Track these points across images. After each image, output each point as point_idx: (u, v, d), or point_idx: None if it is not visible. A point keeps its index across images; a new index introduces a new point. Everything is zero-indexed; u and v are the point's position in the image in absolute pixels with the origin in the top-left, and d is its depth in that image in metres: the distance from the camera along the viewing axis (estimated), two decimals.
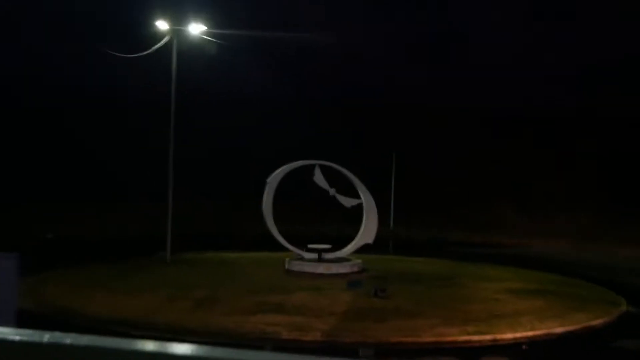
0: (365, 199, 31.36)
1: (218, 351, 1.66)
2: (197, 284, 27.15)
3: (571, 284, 31.29)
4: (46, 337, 1.83)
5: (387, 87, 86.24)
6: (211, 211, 48.47)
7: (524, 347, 20.93)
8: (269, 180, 30.65)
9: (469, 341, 21.01)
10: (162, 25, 33.16)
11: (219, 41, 34.76)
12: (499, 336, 21.49)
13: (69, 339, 1.80)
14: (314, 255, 30.67)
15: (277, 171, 30.93)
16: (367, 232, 31.47)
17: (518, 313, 23.99)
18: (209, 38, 34.21)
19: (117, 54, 36.25)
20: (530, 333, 21.92)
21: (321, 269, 29.73)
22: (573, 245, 52.19)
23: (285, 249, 31.59)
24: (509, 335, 21.62)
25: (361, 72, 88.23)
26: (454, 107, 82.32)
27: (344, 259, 31.19)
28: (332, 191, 31.08)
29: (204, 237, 42.42)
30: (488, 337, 21.35)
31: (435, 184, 77.21)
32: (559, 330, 22.37)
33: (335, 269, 29.82)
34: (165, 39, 32.97)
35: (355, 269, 30.44)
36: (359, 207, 31.99)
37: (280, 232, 31.66)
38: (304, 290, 25.98)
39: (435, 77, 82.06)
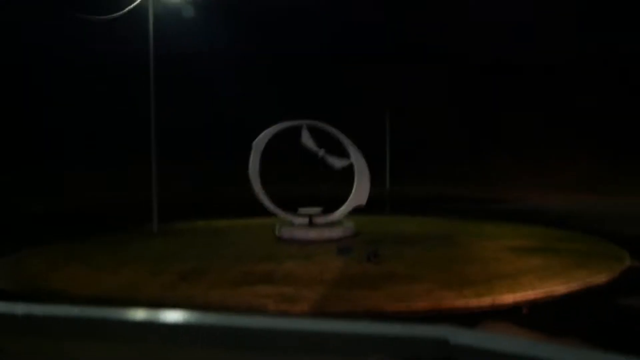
0: (356, 159, 30.16)
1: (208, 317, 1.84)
2: (183, 255, 26.06)
3: (572, 238, 30.35)
4: (20, 308, 1.94)
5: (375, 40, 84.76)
6: (199, 177, 47.39)
7: (524, 310, 19.99)
8: (254, 143, 29.51)
9: (467, 306, 20.04)
10: None
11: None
12: (498, 299, 20.52)
13: (41, 310, 1.92)
14: (305, 220, 29.65)
15: (263, 133, 29.79)
16: (359, 193, 30.35)
17: (518, 273, 23.02)
18: None
19: (91, 17, 34.77)
20: (531, 294, 20.96)
21: (312, 234, 28.68)
22: (572, 197, 51.30)
23: (276, 215, 30.64)
24: (509, 298, 20.66)
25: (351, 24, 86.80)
26: (450, 55, 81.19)
27: (336, 223, 30.15)
28: (321, 152, 29.93)
29: (193, 205, 41.49)
30: (487, 300, 20.40)
31: (431, 140, 76.26)
32: (560, 289, 21.35)
33: (327, 234, 28.74)
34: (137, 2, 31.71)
35: (348, 233, 29.43)
36: (351, 167, 30.77)
37: (272, 195, 30.68)
38: (294, 259, 24.93)
39: (422, 26, 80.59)
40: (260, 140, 29.56)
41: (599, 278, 23.02)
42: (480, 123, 79.23)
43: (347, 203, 30.46)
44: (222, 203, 42.80)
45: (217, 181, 48.12)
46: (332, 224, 29.85)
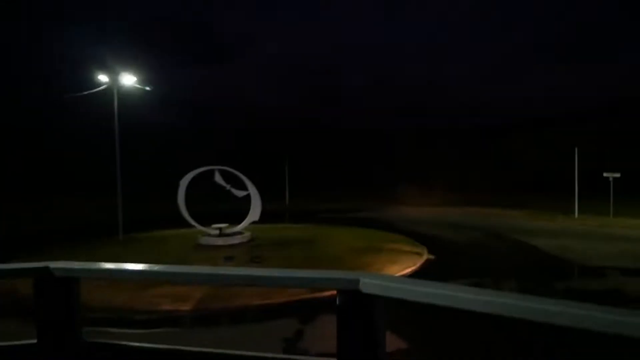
0: (252, 191, 25.68)
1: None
2: (111, 260, 20.79)
3: (394, 240, 26.24)
4: None
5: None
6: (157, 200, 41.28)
7: None
8: (181, 182, 24.49)
9: (315, 298, 15.45)
10: (103, 77, 26.42)
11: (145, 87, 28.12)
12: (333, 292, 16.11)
13: None
14: (216, 232, 24.80)
15: (187, 175, 24.81)
16: (254, 213, 25.80)
17: (353, 268, 18.58)
18: (138, 86, 27.56)
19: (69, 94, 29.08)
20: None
21: (220, 241, 23.81)
22: (404, 209, 47.97)
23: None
24: None
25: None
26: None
27: (239, 233, 25.34)
28: (228, 187, 25.27)
29: (157, 219, 35.80)
30: (327, 293, 15.94)
31: (315, 174, 73.16)
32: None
33: (231, 241, 23.97)
34: (102, 87, 26.29)
35: (246, 239, 24.66)
36: (248, 196, 26.02)
37: (199, 212, 25.74)
38: (200, 261, 19.93)
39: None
40: (185, 179, 24.59)
41: (405, 270, 18.90)
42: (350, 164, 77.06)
43: (246, 219, 26.04)
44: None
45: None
46: (235, 234, 24.96)
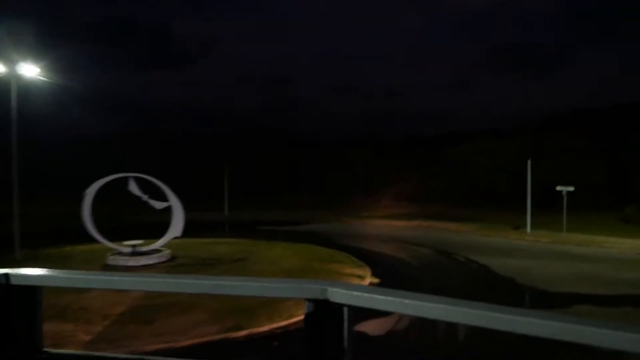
0: (173, 201, 22.52)
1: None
2: None
3: (339, 259, 23.86)
4: None
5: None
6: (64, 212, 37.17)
7: (275, 343, 12.92)
8: (87, 191, 21.19)
9: (225, 339, 12.81)
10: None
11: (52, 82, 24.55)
12: (254, 330, 13.44)
13: None
14: (129, 250, 21.61)
15: (95, 183, 21.49)
16: (176, 227, 22.68)
17: (287, 297, 16.02)
18: (43, 78, 23.98)
19: None
20: (285, 322, 14.04)
21: (132, 262, 20.65)
22: (354, 222, 45.96)
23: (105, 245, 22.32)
24: (265, 328, 13.62)
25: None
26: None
27: (157, 251, 22.26)
28: (144, 197, 22.15)
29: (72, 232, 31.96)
30: (243, 332, 13.26)
31: (265, 183, 70.82)
32: None
33: (144, 261, 20.79)
34: None
35: (163, 259, 21.62)
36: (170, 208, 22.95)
37: (111, 227, 22.58)
38: (99, 289, 16.83)
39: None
40: (92, 188, 21.28)
41: None
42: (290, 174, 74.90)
43: (165, 235, 22.81)
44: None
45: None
46: (152, 252, 21.88)
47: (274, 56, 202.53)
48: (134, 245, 21.57)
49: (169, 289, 1.54)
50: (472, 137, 72.53)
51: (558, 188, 35.50)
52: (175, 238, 23.29)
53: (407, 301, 1.22)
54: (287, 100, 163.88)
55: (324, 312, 1.34)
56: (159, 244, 22.58)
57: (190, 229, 26.28)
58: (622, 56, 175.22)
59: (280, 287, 1.45)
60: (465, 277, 21.09)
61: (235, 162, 59.01)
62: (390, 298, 1.24)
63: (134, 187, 21.88)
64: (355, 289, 1.33)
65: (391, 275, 20.88)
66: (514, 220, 39.49)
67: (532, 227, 35.58)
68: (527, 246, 30.02)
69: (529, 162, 36.39)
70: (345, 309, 1.33)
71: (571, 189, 34.96)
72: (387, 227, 42.37)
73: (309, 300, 1.36)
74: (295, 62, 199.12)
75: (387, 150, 78.22)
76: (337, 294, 1.32)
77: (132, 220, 33.30)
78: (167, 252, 22.08)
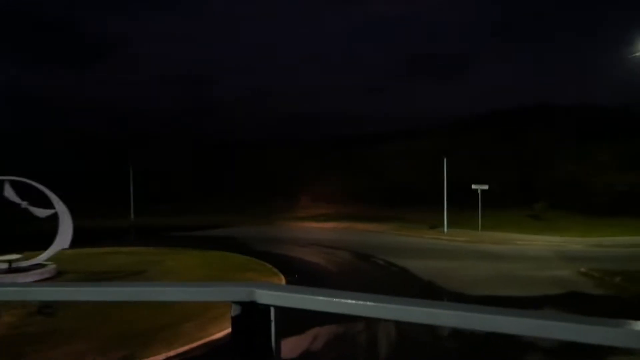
0: (59, 208, 19.71)
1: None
2: None
3: (251, 267, 22.18)
4: None
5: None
6: None
7: None
8: None
9: None
10: None
11: None
12: None
13: None
14: (4, 265, 18.59)
15: None
16: (63, 239, 19.88)
17: (185, 318, 14.02)
18: None
19: None
20: (185, 348, 12.18)
21: (7, 280, 17.65)
22: (270, 225, 44.09)
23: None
24: (161, 357, 11.70)
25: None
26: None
27: (39, 266, 19.38)
28: (24, 204, 19.23)
29: None
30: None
31: (167, 186, 67.29)
32: (218, 336, 12.79)
33: (22, 278, 17.85)
34: None
35: (46, 275, 18.80)
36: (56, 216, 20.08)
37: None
38: None
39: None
40: None
41: None
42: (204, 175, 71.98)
43: (50, 247, 19.98)
44: None
45: None
46: (33, 267, 18.99)
47: (191, 57, 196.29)
48: (10, 261, 18.60)
49: (79, 298, 1.37)
50: (388, 138, 73.50)
51: (473, 187, 36.01)
52: (65, 249, 20.53)
53: (335, 300, 1.21)
54: (203, 101, 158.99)
55: (250, 314, 1.29)
56: (42, 257, 19.69)
57: (88, 237, 23.47)
58: (526, 63, 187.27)
59: (205, 291, 1.39)
60: (385, 282, 20.20)
61: (145, 164, 55.25)
62: (319, 297, 1.22)
63: (9, 192, 18.91)
64: (282, 289, 1.29)
65: (307, 283, 19.51)
66: (431, 219, 39.69)
67: (448, 226, 35.79)
68: (445, 246, 29.93)
69: (445, 161, 36.65)
70: (272, 310, 1.28)
71: (485, 187, 35.57)
72: (305, 229, 41.15)
73: (235, 302, 1.30)
74: (213, 64, 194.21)
75: (305, 152, 77.41)
76: (264, 296, 1.28)
77: (18, 230, 29.58)
78: (51, 267, 19.30)
